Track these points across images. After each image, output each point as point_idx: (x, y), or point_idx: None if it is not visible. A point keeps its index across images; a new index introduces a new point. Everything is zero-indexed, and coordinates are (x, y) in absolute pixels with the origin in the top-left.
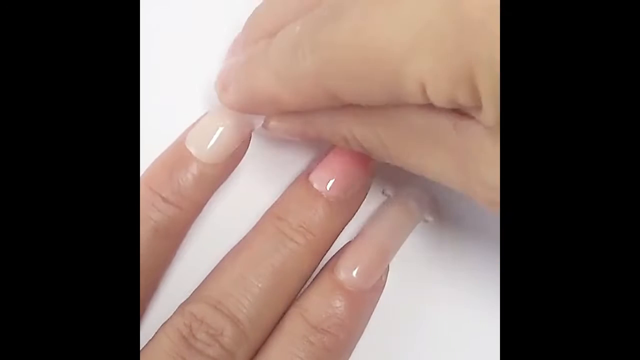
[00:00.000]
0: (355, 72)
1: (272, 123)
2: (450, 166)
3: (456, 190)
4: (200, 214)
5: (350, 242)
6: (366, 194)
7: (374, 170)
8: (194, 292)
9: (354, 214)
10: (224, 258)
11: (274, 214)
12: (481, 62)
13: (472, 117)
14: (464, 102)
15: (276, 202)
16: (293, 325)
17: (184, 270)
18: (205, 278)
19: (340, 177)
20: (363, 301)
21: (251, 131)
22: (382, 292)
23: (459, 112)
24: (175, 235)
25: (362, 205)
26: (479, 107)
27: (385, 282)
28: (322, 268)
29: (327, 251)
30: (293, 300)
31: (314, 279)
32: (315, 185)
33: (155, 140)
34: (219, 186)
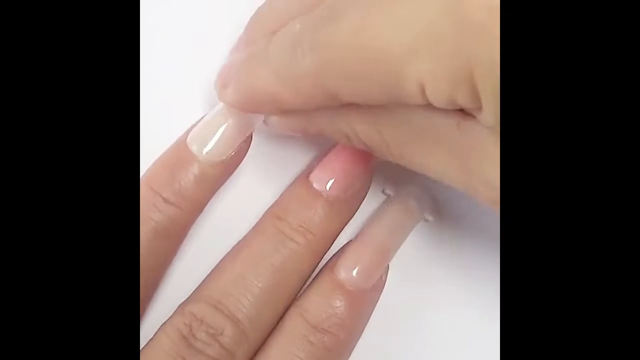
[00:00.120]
0: (355, 72)
1: (273, 119)
2: (453, 165)
3: (458, 189)
4: (200, 214)
5: (350, 241)
6: (366, 194)
7: (374, 170)
8: (194, 291)
9: (354, 214)
10: (223, 258)
11: (273, 214)
12: (481, 63)
13: (474, 117)
14: (464, 103)
15: (276, 201)
16: (293, 325)
17: (184, 270)
18: (205, 278)
19: (340, 176)
20: (363, 301)
21: (252, 131)
22: (382, 291)
23: (461, 111)
24: (176, 235)
25: (362, 205)
26: (479, 107)
27: (385, 281)
28: (322, 268)
29: (327, 251)
30: (293, 300)
31: (314, 279)
32: (315, 185)
33: (155, 140)
34: (220, 186)
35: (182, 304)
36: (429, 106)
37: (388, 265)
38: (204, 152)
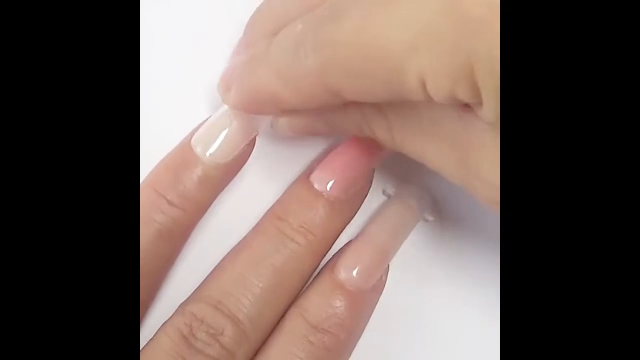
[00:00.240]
0: (357, 69)
1: (282, 121)
2: (452, 160)
3: (456, 184)
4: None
5: (350, 241)
6: (367, 194)
7: (374, 170)
8: (194, 291)
9: (355, 214)
10: (224, 258)
11: (274, 214)
12: (481, 59)
13: (475, 112)
14: (464, 98)
15: (277, 202)
16: (293, 325)
17: (185, 270)
18: (206, 278)
19: (341, 177)
20: (363, 301)
21: (256, 134)
22: (382, 291)
23: (463, 105)
24: (179, 237)
25: (362, 205)
26: (479, 103)
27: (386, 281)
28: (322, 268)
29: (327, 251)
30: (293, 300)
31: (314, 279)
32: (316, 186)
33: (155, 141)
34: (223, 188)
35: (182, 303)
36: (431, 101)
37: (388, 265)
38: (208, 154)
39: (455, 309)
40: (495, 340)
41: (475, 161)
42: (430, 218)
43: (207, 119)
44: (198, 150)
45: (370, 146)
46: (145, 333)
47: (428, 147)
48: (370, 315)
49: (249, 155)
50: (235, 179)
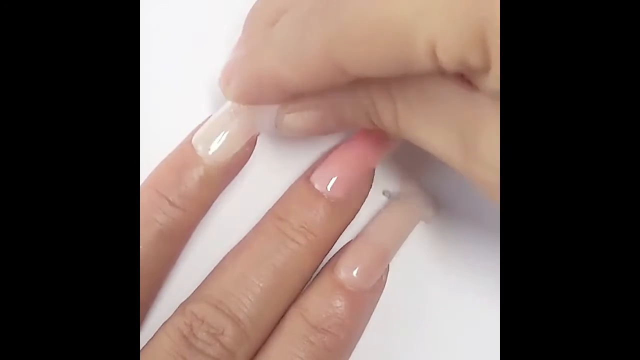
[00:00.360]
0: (365, 38)
1: (287, 118)
2: (456, 144)
3: (459, 172)
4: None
5: (350, 241)
6: (367, 195)
7: (374, 171)
8: (194, 291)
9: (355, 215)
10: (224, 258)
11: (275, 214)
12: (493, 21)
13: (481, 89)
14: (474, 63)
15: (277, 202)
16: (293, 325)
17: (185, 270)
18: (206, 277)
19: (341, 177)
20: (363, 301)
21: (257, 134)
22: (382, 291)
23: (468, 82)
24: (180, 237)
25: (363, 206)
26: (487, 68)
27: (386, 281)
28: (323, 268)
29: (328, 251)
30: (294, 300)
31: (314, 279)
32: (317, 186)
33: (156, 141)
34: (224, 188)
35: (182, 303)
36: (438, 74)
37: (388, 265)
38: (209, 154)
39: (455, 309)
40: (495, 340)
41: (479, 143)
42: (431, 218)
43: (207, 118)
44: (199, 150)
45: (370, 147)
46: (146, 333)
47: (432, 132)
48: (371, 315)
49: (250, 156)
50: (236, 179)
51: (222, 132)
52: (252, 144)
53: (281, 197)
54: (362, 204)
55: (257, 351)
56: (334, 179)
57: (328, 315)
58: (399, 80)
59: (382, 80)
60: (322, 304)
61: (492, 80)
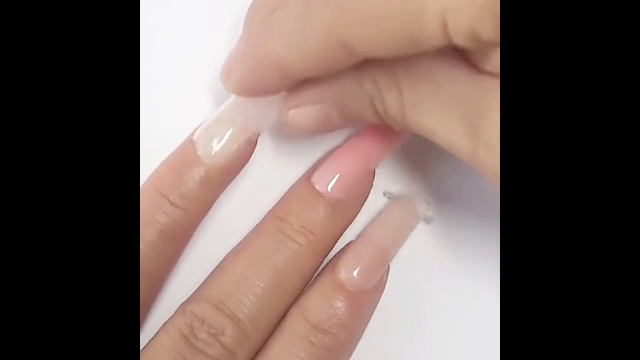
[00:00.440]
0: (374, 16)
1: (291, 113)
2: (462, 131)
3: (464, 161)
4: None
5: (351, 242)
6: (368, 195)
7: (375, 172)
8: (195, 291)
9: (356, 215)
10: (225, 258)
11: (275, 215)
12: None
13: (487, 73)
14: (486, 36)
15: (278, 202)
16: (294, 325)
17: (186, 270)
18: (207, 278)
19: (342, 178)
20: (364, 301)
21: (258, 134)
22: (382, 292)
23: (474, 66)
24: (181, 237)
25: (364, 206)
26: (498, 43)
27: (386, 282)
28: (323, 268)
29: (329, 252)
30: (294, 300)
31: (314, 279)
32: (317, 187)
33: (156, 142)
34: (224, 188)
35: (183, 303)
36: (446, 57)
37: (389, 266)
38: (210, 155)
39: (455, 309)
40: (495, 340)
41: (485, 127)
42: (431, 219)
43: (208, 118)
44: (200, 151)
45: (371, 147)
46: (146, 333)
47: (439, 120)
48: (371, 316)
49: (251, 156)
50: (237, 179)
51: (223, 133)
52: (252, 144)
53: (282, 198)
54: (362, 205)
55: (258, 351)
56: (334, 180)
57: (329, 315)
58: (405, 67)
59: (388, 65)
60: (323, 304)
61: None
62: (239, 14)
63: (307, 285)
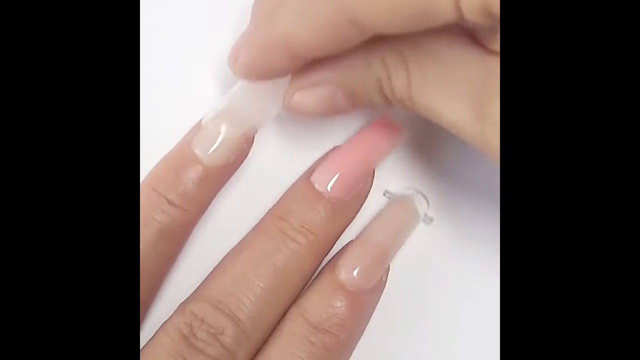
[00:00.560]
0: None
1: (297, 95)
2: (468, 111)
3: (469, 142)
4: (203, 214)
5: (351, 242)
6: (367, 195)
7: (375, 171)
8: (194, 291)
9: (356, 215)
10: (225, 257)
11: (275, 214)
12: None
13: (495, 53)
14: (498, 11)
15: (277, 202)
16: (294, 325)
17: (185, 269)
18: (206, 277)
19: (342, 178)
20: (364, 301)
21: (255, 133)
22: (382, 292)
23: (481, 45)
24: (180, 236)
25: (364, 206)
26: None
27: (386, 282)
28: (323, 268)
29: (328, 252)
30: (294, 300)
31: (314, 279)
32: (317, 186)
33: (155, 141)
34: (222, 186)
35: (182, 303)
36: (455, 37)
37: (389, 266)
38: (208, 154)
39: (455, 309)
40: (495, 340)
41: (493, 108)
42: (431, 219)
43: (205, 116)
44: (197, 150)
45: (371, 147)
46: (146, 333)
47: (446, 101)
48: (371, 316)
49: (248, 153)
50: (237, 178)
51: (220, 131)
52: (249, 142)
53: (281, 197)
54: (362, 204)
55: (258, 351)
56: (334, 179)
57: (328, 315)
58: (413, 46)
59: (396, 45)
60: (323, 304)
61: None
62: (239, 14)
63: (307, 285)
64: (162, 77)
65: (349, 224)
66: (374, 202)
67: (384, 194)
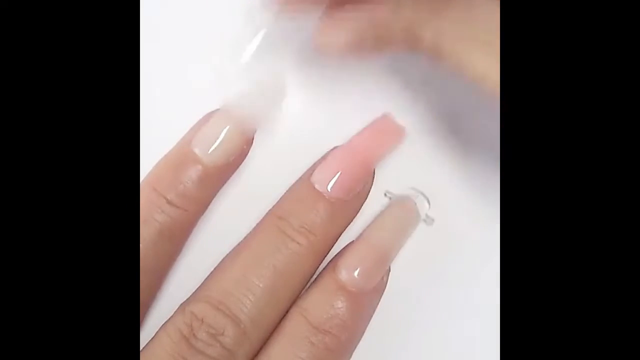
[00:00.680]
0: None
1: (325, 33)
2: (494, 57)
3: (492, 93)
4: (203, 214)
5: (352, 242)
6: (367, 195)
7: (375, 171)
8: (195, 291)
9: (356, 215)
10: (225, 258)
11: (275, 215)
12: None
13: None
14: None
15: (278, 202)
16: (294, 325)
17: (185, 270)
18: (207, 278)
19: (342, 178)
20: (365, 302)
21: (254, 133)
22: (383, 292)
23: None
24: (180, 236)
25: (364, 207)
26: None
27: (387, 283)
28: (324, 269)
29: (328, 252)
30: (295, 300)
31: (315, 280)
32: (317, 186)
33: (155, 140)
34: (222, 186)
35: (183, 303)
36: None
37: (389, 266)
38: (207, 154)
39: (455, 309)
40: (495, 341)
41: None
42: (432, 220)
43: (204, 116)
44: (197, 149)
45: (370, 146)
46: (146, 333)
47: (473, 50)
48: (372, 316)
49: (247, 153)
50: (237, 178)
51: (220, 131)
52: (249, 142)
53: (282, 197)
54: (362, 204)
55: (258, 352)
56: (334, 179)
57: (329, 316)
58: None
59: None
60: (324, 304)
61: None
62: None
63: (308, 286)
64: (162, 77)
65: (349, 223)
66: (375, 203)
67: (385, 195)
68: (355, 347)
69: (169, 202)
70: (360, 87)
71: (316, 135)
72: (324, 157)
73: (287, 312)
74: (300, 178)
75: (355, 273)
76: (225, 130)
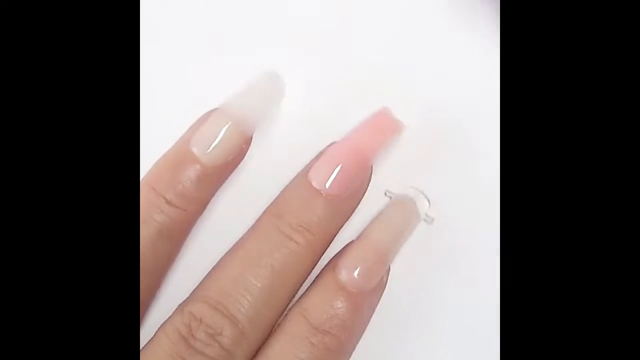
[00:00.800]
0: None
1: None
2: None
3: None
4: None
5: (351, 242)
6: (365, 192)
7: (373, 168)
8: (193, 291)
9: (353, 212)
10: (222, 257)
11: (272, 213)
12: None
13: None
14: None
15: (275, 200)
16: (294, 325)
17: (184, 270)
18: (204, 277)
19: (339, 175)
20: (364, 302)
21: (253, 132)
22: (383, 292)
23: None
24: (178, 236)
25: (364, 206)
26: None
27: (387, 282)
28: (323, 268)
29: (325, 250)
30: (292, 299)
31: (314, 280)
32: (314, 184)
33: (155, 140)
34: (220, 185)
35: (181, 303)
36: None
37: (389, 266)
38: (206, 153)
39: (455, 309)
40: (495, 340)
41: None
42: (432, 219)
43: (203, 115)
44: (195, 149)
45: (367, 143)
46: (145, 333)
47: None
48: (371, 316)
49: (246, 152)
50: (234, 177)
51: (218, 130)
52: (248, 141)
53: (279, 195)
54: (360, 201)
55: (257, 351)
56: (332, 176)
57: (329, 316)
58: None
59: None
60: (323, 304)
61: None
62: (240, 14)
63: (308, 286)
64: (162, 77)
65: (347, 220)
66: (374, 202)
67: (385, 194)
68: (355, 347)
69: (167, 202)
70: (360, 87)
71: (315, 134)
72: (320, 154)
73: (285, 311)
74: (298, 175)
75: (355, 273)
76: (223, 130)
